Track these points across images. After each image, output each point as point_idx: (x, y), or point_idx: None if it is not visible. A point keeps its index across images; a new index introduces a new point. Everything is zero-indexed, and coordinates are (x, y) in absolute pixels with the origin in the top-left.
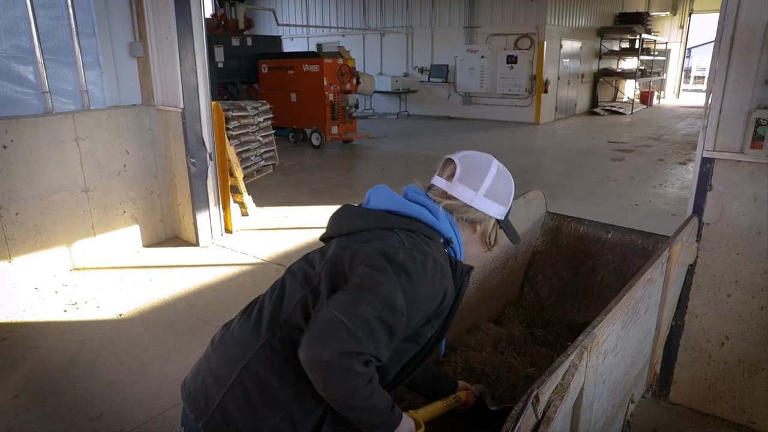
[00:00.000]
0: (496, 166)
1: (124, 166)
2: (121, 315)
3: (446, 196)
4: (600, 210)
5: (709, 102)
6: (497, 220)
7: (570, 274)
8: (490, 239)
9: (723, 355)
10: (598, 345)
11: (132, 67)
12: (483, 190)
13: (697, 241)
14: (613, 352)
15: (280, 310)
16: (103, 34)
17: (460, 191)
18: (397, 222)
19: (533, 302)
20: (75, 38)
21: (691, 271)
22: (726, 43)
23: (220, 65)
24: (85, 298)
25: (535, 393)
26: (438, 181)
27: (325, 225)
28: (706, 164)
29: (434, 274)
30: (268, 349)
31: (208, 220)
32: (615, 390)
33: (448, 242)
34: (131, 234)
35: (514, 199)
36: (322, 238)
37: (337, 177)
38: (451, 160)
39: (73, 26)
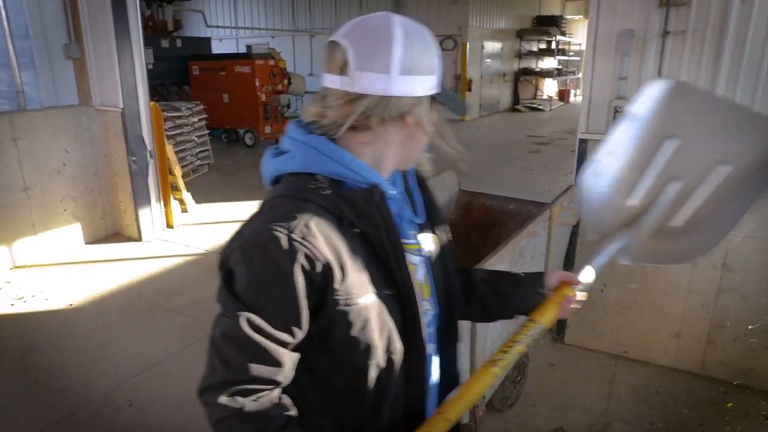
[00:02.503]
0: (399, 23)
1: (64, 164)
2: (71, 305)
3: (349, 99)
4: (518, 196)
5: (582, 95)
6: (432, 96)
7: (480, 241)
8: (428, 126)
9: (602, 299)
10: None
11: (68, 68)
12: (397, 67)
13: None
14: None
15: None
16: (37, 36)
17: (367, 82)
18: (264, 205)
19: None
20: (8, 40)
21: (575, 231)
22: (591, 47)
23: (150, 67)
24: (31, 293)
25: None
26: (331, 81)
27: None
28: (582, 144)
29: (267, 255)
30: None
31: (150, 216)
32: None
33: (317, 181)
34: (73, 231)
35: (434, 176)
36: None
37: None
38: (336, 43)
39: (6, 28)
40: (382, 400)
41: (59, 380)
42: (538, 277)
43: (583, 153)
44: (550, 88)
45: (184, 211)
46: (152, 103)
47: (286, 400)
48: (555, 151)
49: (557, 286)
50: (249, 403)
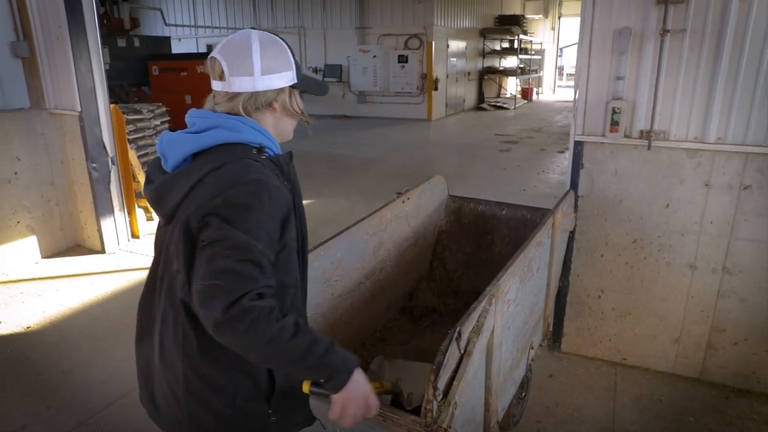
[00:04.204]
0: (256, 38)
1: (15, 173)
2: (29, 327)
3: (230, 97)
4: (492, 196)
5: (577, 95)
6: (291, 87)
7: (472, 248)
8: (294, 109)
9: (600, 306)
10: (503, 294)
11: (17, 68)
12: (258, 70)
13: (575, 211)
14: (515, 302)
15: (174, 297)
16: None
17: (239, 84)
18: (205, 165)
19: (442, 275)
20: None
21: (572, 237)
22: (586, 46)
23: (107, 67)
24: None
25: (458, 329)
26: (216, 85)
27: None
28: (578, 146)
29: (263, 198)
30: (188, 340)
31: (113, 226)
32: (518, 336)
33: (260, 149)
34: (28, 245)
35: (424, 182)
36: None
37: None
38: (214, 58)
39: None
40: (293, 310)
41: (15, 418)
42: None
43: (578, 156)
44: (512, 86)
45: (150, 219)
46: (112, 105)
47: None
48: (525, 150)
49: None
50: (266, 301)
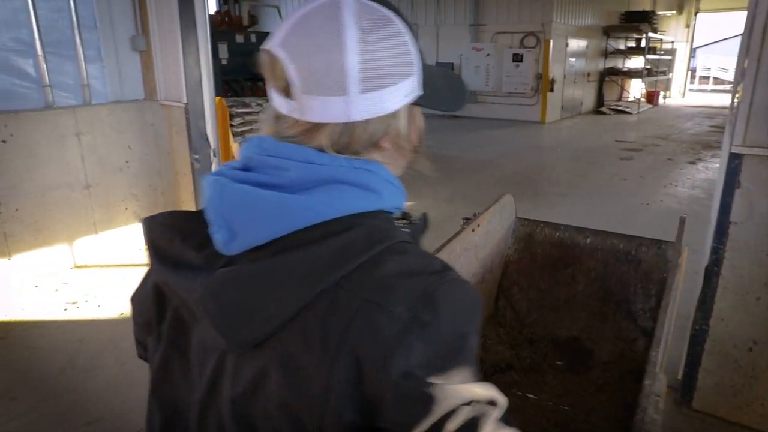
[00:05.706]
0: (352, 19)
1: (127, 162)
2: (122, 314)
3: (305, 128)
4: (611, 210)
5: (737, 96)
6: (411, 104)
7: (548, 285)
8: (413, 142)
9: (751, 360)
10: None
11: (134, 60)
12: (357, 84)
13: (723, 242)
14: None
15: None
16: (105, 27)
17: (320, 109)
18: (330, 258)
19: (512, 318)
20: (76, 31)
21: (716, 273)
22: (757, 34)
23: (224, 62)
24: (86, 297)
25: None
26: (281, 105)
27: None
28: (735, 160)
29: (469, 304)
30: None
31: None
32: None
33: (405, 216)
34: (134, 231)
35: (493, 204)
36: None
37: None
38: (273, 56)
39: (74, 19)
40: None
41: (93, 408)
42: None
43: (734, 172)
44: (636, 89)
45: None
46: (218, 98)
47: None
48: (649, 159)
49: None
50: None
